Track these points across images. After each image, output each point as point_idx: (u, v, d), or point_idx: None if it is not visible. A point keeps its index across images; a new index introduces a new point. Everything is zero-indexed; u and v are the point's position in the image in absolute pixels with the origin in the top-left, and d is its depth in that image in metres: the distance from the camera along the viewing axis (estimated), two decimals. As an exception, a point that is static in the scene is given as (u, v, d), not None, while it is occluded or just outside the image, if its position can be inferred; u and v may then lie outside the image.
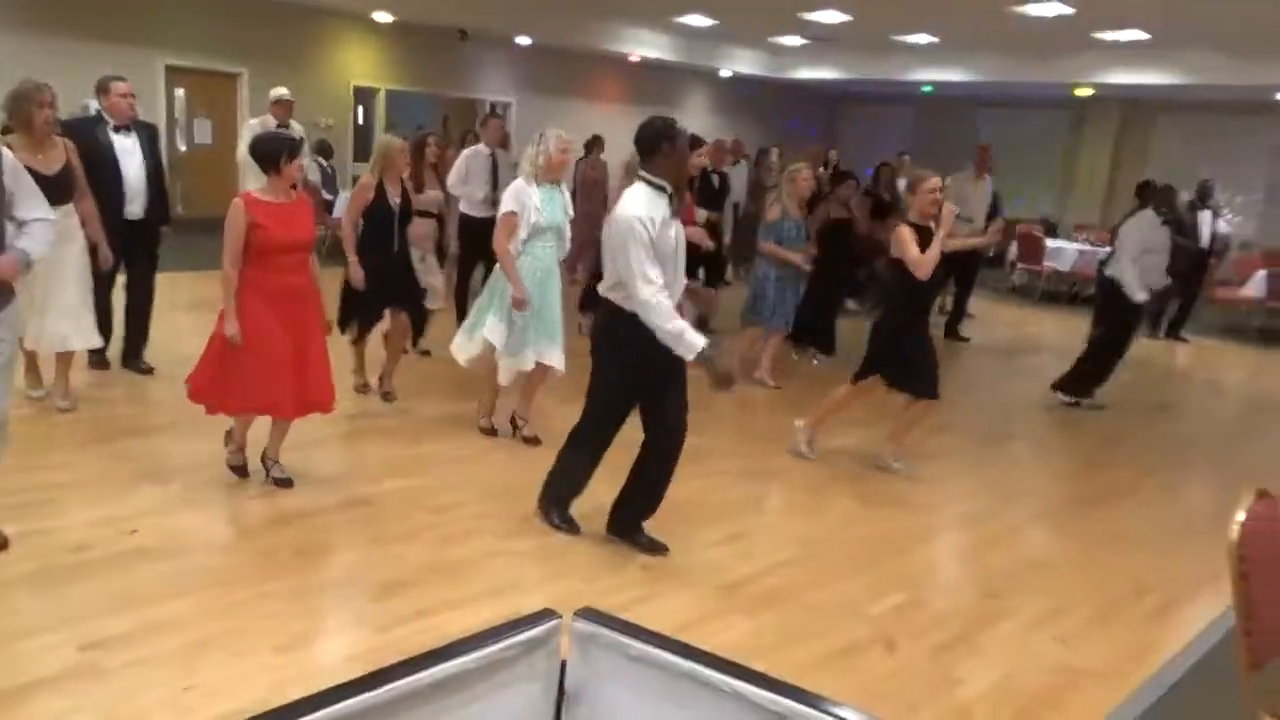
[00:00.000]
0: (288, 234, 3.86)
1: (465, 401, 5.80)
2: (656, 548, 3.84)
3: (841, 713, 1.15)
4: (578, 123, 13.55)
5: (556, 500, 3.97)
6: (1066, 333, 9.87)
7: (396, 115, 14.28)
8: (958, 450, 5.82)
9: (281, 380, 3.89)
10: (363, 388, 5.69)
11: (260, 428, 4.17)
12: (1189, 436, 6.53)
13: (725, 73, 16.30)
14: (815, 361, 7.54)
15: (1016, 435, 6.27)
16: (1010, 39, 12.48)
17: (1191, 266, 7.37)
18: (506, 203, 4.71)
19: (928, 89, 16.19)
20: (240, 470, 4.20)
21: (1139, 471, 5.63)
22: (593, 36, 13.81)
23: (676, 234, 3.51)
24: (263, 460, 4.20)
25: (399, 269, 5.38)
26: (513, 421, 5.14)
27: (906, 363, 4.87)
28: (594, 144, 10.75)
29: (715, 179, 8.44)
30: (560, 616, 1.33)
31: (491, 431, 5.15)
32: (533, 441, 5.02)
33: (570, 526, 3.94)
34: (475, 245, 7.26)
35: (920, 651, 3.33)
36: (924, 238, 4.68)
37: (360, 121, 13.81)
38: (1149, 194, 8.62)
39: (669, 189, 3.46)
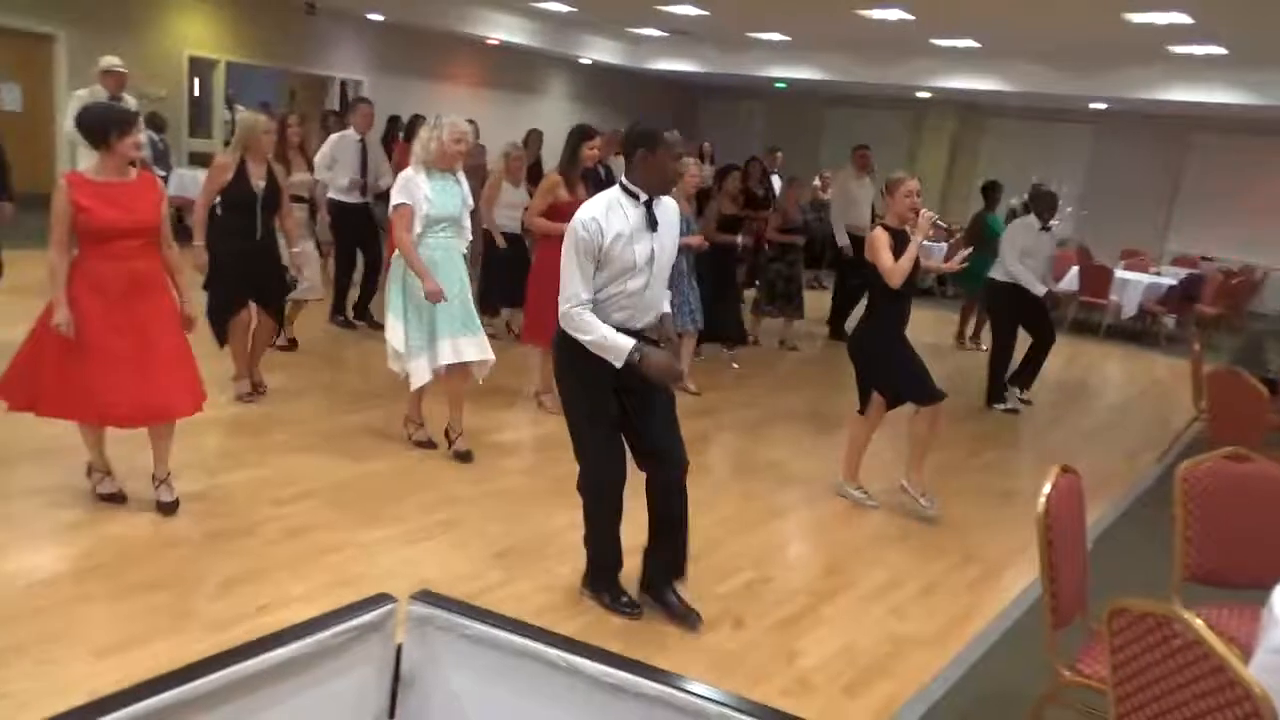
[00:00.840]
0: (121, 217, 3.46)
1: (319, 394, 5.61)
2: (688, 617, 3.35)
3: (676, 682, 1.20)
4: (434, 105, 13.25)
5: (599, 575, 3.44)
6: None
7: (238, 89, 13.54)
8: (798, 436, 6.07)
9: (110, 383, 3.47)
10: (249, 395, 5.25)
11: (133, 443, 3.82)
12: (1010, 419, 7.04)
13: (585, 61, 16.29)
14: (734, 365, 7.48)
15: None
16: (857, 41, 13.05)
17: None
18: (396, 195, 4.42)
19: (781, 85, 16.70)
20: (116, 497, 3.77)
21: (966, 452, 6.04)
22: (449, 17, 13.49)
23: (654, 246, 3.15)
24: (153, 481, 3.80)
25: (264, 258, 4.98)
26: (446, 434, 4.78)
27: (898, 371, 4.58)
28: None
29: (602, 171, 8.39)
30: (395, 600, 1.32)
31: (429, 444, 4.78)
32: (465, 457, 4.68)
33: (629, 608, 3.38)
34: (350, 233, 7.03)
35: (765, 626, 3.47)
36: (899, 242, 4.44)
37: (196, 94, 12.99)
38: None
39: (643, 196, 3.13)
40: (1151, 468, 6.08)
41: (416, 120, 8.99)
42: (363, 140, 6.95)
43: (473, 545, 3.82)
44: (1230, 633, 2.77)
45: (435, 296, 4.35)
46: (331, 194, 6.88)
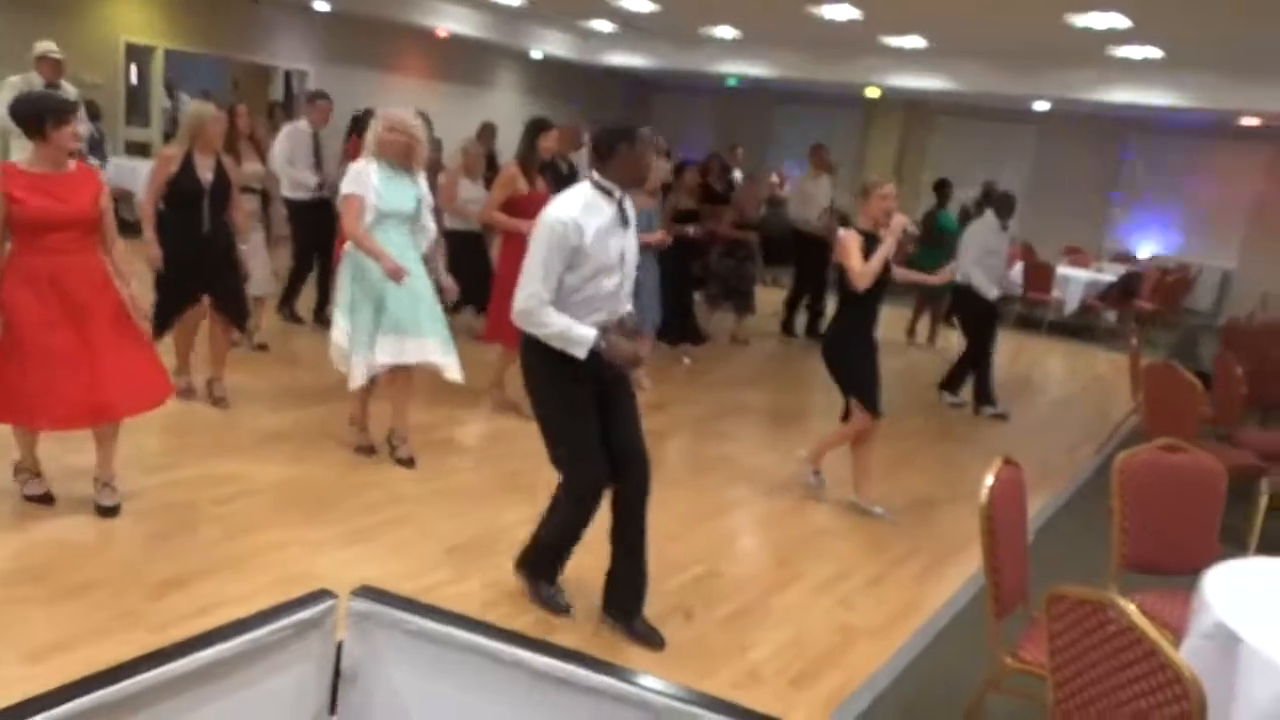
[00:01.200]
0: (56, 209, 3.34)
1: (263, 390, 5.50)
2: (651, 638, 3.26)
3: (620, 674, 1.19)
4: (382, 97, 13.02)
5: (547, 566, 3.40)
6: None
7: (178, 77, 13.18)
8: (750, 431, 6.12)
9: (46, 382, 3.34)
10: (186, 391, 5.04)
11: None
12: (958, 413, 7.17)
13: (536, 54, 16.18)
14: (685, 360, 7.49)
15: (812, 414, 6.66)
16: (807, 38, 13.15)
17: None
18: (345, 185, 4.34)
19: (732, 81, 16.77)
20: (45, 499, 3.65)
21: (916, 445, 6.14)
22: (396, 6, 13.29)
23: (625, 245, 3.14)
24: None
25: (210, 252, 4.80)
26: (390, 440, 4.63)
27: (859, 372, 4.59)
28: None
29: (564, 165, 8.31)
30: (335, 596, 1.29)
31: (369, 450, 4.62)
32: (408, 464, 4.54)
33: (563, 604, 3.38)
34: (309, 231, 6.80)
35: (716, 619, 3.48)
36: (871, 246, 4.41)
37: (134, 82, 12.62)
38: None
39: (617, 193, 3.10)
40: (1091, 459, 6.23)
41: (368, 114, 8.87)
42: (316, 133, 6.80)
43: (421, 543, 3.78)
44: (1164, 618, 2.85)
45: (396, 274, 4.19)
46: (285, 193, 6.71)
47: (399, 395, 4.56)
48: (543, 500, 4.37)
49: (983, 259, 6.86)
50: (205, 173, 4.71)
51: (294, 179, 6.65)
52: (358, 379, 4.39)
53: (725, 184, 8.85)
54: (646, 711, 1.16)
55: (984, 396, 7.17)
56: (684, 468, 5.17)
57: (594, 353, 3.06)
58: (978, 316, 7.04)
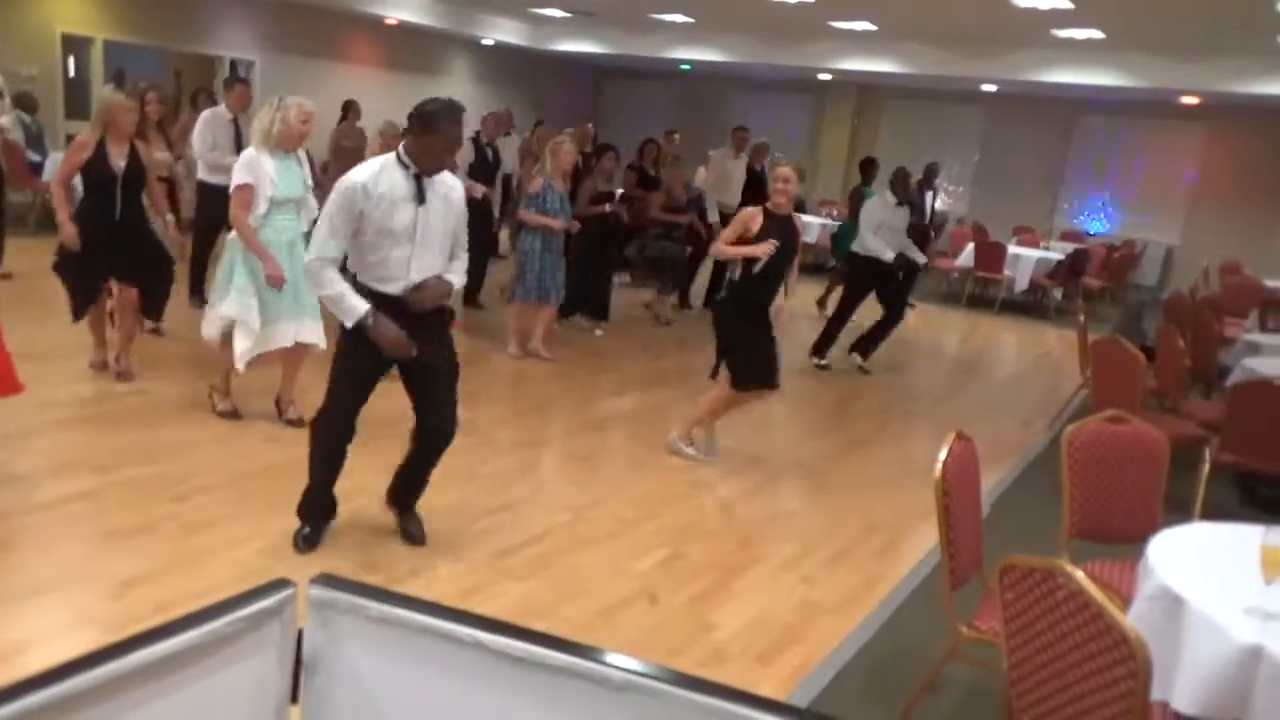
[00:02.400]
0: None
1: (204, 384, 5.43)
2: (418, 537, 3.68)
3: (580, 651, 1.21)
4: (331, 87, 12.83)
5: (312, 510, 3.60)
6: (813, 300, 10.65)
7: (127, 68, 12.84)
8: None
9: None
10: (100, 365, 5.26)
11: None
12: (913, 392, 7.29)
13: (488, 41, 16.03)
14: (598, 333, 7.75)
15: (768, 397, 6.71)
16: (759, 23, 13.19)
17: (917, 240, 8.20)
18: (239, 174, 4.40)
19: (685, 67, 16.76)
20: None
21: (872, 425, 6.23)
22: (345, -5, 13.09)
23: (417, 219, 3.23)
24: None
25: (124, 238, 4.89)
26: (277, 404, 4.87)
27: (746, 350, 4.81)
28: (348, 110, 10.23)
29: (489, 151, 8.32)
30: (293, 585, 1.29)
31: (234, 415, 4.82)
32: (297, 424, 4.74)
33: (307, 541, 3.56)
34: (215, 214, 6.72)
35: (681, 601, 3.52)
36: (773, 223, 4.63)
37: (72, 74, 12.28)
38: (872, 170, 9.53)
39: (413, 169, 3.23)
40: (1043, 434, 6.38)
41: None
42: (235, 119, 6.72)
43: (385, 531, 3.76)
44: (1114, 585, 2.94)
45: (276, 280, 4.39)
46: (202, 175, 6.64)
47: (290, 368, 4.79)
48: (507, 492, 4.39)
49: (879, 231, 7.25)
50: (118, 160, 4.80)
51: (215, 163, 6.55)
52: (245, 357, 4.49)
53: (660, 169, 8.91)
54: (607, 687, 1.18)
55: (823, 347, 7.49)
56: (645, 452, 5.19)
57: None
58: (868, 281, 7.38)
